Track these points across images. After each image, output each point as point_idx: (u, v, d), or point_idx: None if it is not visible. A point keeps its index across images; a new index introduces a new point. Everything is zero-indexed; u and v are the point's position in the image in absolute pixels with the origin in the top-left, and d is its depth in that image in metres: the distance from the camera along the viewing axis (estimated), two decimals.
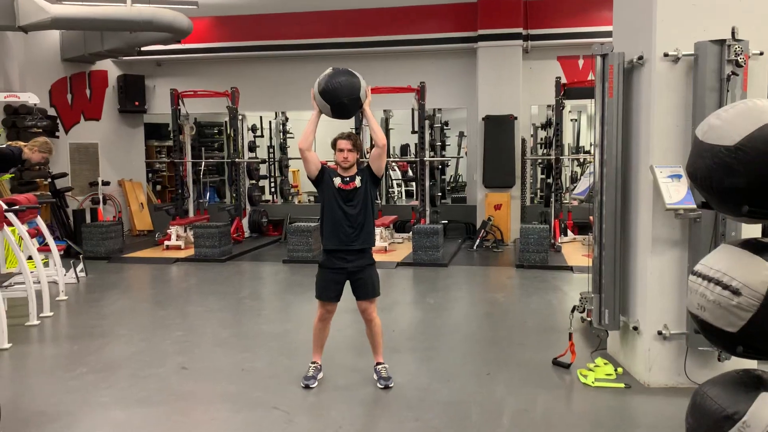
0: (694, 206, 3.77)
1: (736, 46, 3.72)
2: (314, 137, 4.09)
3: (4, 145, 6.40)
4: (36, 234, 6.90)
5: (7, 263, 7.04)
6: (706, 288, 1.88)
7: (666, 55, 3.94)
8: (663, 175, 3.90)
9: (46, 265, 6.94)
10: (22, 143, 6.26)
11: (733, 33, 3.73)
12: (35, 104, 9.38)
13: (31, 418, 3.75)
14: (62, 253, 7.37)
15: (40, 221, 6.86)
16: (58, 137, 11.01)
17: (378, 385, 4.13)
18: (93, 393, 4.12)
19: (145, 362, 4.73)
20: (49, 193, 10.19)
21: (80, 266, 7.83)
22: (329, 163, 4.35)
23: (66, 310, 6.38)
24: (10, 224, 5.91)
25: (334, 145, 4.07)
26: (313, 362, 4.26)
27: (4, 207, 5.64)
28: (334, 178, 4.05)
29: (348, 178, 4.04)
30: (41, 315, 5.94)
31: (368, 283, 4.11)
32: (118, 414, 3.81)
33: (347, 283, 4.14)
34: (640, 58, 4.13)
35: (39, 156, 6.27)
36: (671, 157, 4.00)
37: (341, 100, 3.88)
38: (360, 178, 4.05)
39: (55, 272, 6.84)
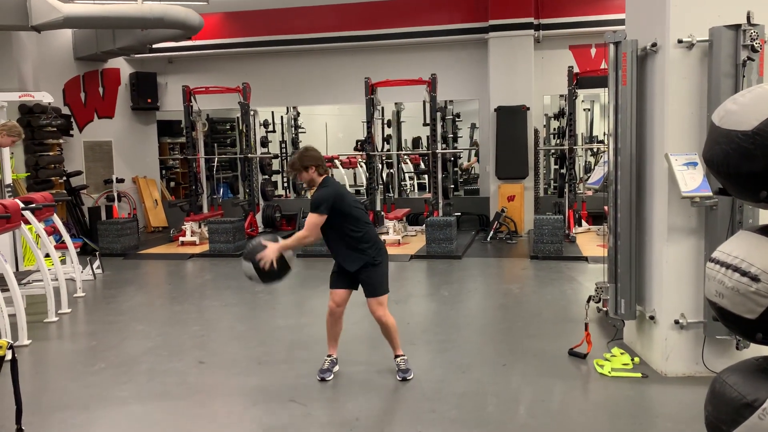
0: (710, 194, 3.73)
1: (752, 31, 3.67)
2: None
3: None
4: (53, 232, 6.97)
5: (25, 261, 7.12)
6: (724, 275, 1.86)
7: (680, 41, 3.90)
8: (678, 162, 3.87)
9: (63, 262, 7.02)
10: None
11: (748, 18, 3.69)
12: (49, 103, 9.44)
13: (52, 413, 3.80)
14: (79, 250, 7.45)
15: (56, 219, 6.92)
16: (72, 135, 11.11)
17: (397, 377, 4.15)
18: (112, 388, 4.17)
19: (163, 357, 4.77)
20: (64, 191, 10.30)
21: (97, 263, 7.91)
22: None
23: (84, 307, 6.45)
24: (27, 222, 5.97)
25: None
26: (329, 355, 4.28)
27: (21, 205, 5.70)
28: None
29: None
30: (59, 312, 6.01)
31: (371, 282, 4.08)
32: (138, 408, 3.86)
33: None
34: (654, 45, 4.09)
35: (9, 140, 6.34)
36: (686, 144, 3.96)
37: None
38: None
39: (72, 269, 6.91)
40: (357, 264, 4.04)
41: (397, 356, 4.25)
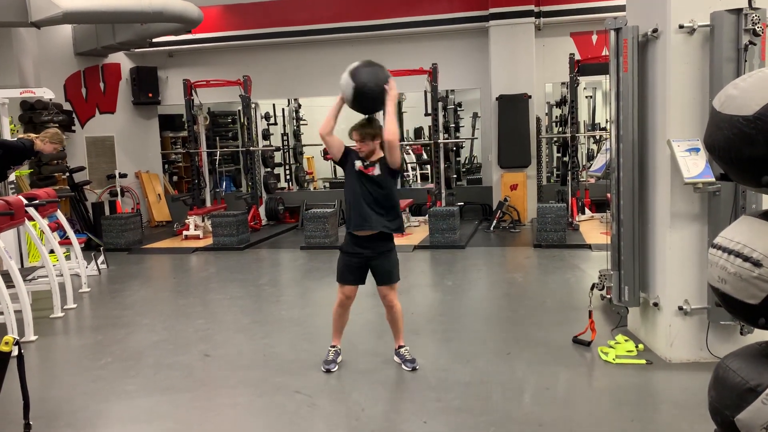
0: (713, 179, 3.72)
1: (754, 15, 3.65)
2: (335, 122, 4.06)
3: (15, 139, 6.46)
4: (57, 228, 6.99)
5: (30, 257, 7.15)
6: (726, 260, 1.85)
7: (681, 26, 3.87)
8: (680, 149, 3.86)
9: (67, 258, 7.04)
10: (33, 135, 6.34)
11: (750, 1, 3.66)
12: (50, 99, 9.44)
13: (59, 407, 3.82)
14: (83, 245, 7.47)
15: (60, 215, 6.94)
16: (74, 131, 11.11)
17: (404, 367, 4.16)
18: (119, 382, 4.19)
19: (169, 350, 4.80)
20: (67, 187, 10.31)
21: (101, 258, 7.93)
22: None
23: (89, 302, 6.48)
24: (31, 219, 5.99)
25: (351, 135, 4.06)
26: (333, 346, 4.29)
27: (25, 202, 5.71)
28: (356, 161, 4.03)
29: (369, 163, 4.02)
30: (65, 307, 6.03)
31: (385, 270, 4.11)
32: (144, 401, 3.88)
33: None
34: (655, 30, 4.07)
35: (51, 147, 6.31)
36: (688, 130, 3.94)
37: (363, 87, 3.84)
38: (380, 166, 4.01)
39: (77, 265, 6.93)
40: (391, 228, 4.06)
41: (401, 347, 4.26)
